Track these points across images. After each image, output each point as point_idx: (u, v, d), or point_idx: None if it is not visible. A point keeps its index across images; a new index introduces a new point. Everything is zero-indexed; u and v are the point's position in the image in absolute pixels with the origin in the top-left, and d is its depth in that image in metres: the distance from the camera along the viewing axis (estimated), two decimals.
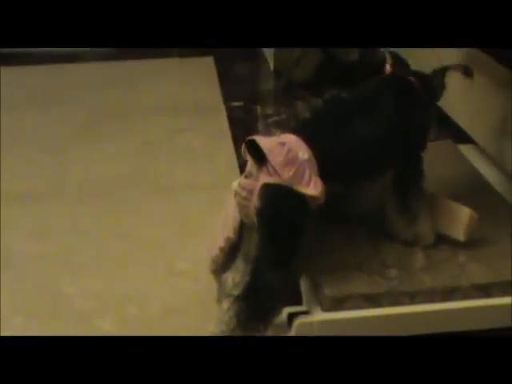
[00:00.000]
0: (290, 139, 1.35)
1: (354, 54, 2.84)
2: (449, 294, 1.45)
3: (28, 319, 1.58)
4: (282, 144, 1.33)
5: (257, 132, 2.41)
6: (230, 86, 2.86)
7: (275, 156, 1.31)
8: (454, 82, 1.70)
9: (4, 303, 1.61)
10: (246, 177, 1.35)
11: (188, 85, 2.89)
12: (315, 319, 1.41)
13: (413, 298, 1.45)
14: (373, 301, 1.43)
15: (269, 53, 3.01)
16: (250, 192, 1.33)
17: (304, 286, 1.51)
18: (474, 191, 1.74)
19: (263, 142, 1.32)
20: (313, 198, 1.33)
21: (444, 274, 1.48)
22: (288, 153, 1.32)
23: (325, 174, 1.35)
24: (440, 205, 1.57)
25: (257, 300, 1.35)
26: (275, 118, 2.54)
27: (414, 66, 1.61)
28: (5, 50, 2.90)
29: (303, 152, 1.33)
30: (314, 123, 1.47)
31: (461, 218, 1.53)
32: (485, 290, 1.46)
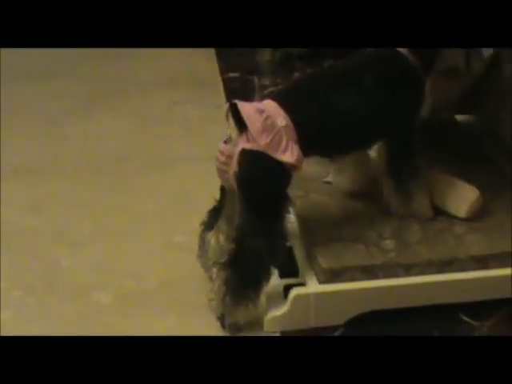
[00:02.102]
0: (269, 106, 1.36)
1: None
2: (445, 265, 1.45)
3: (26, 293, 1.58)
4: (261, 110, 1.34)
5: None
6: (226, 57, 2.84)
7: (253, 122, 1.32)
8: None
9: (1, 278, 1.61)
10: (225, 142, 1.37)
11: (185, 56, 2.86)
12: (311, 291, 1.42)
13: (409, 269, 1.45)
14: (369, 273, 1.44)
15: None
16: (229, 157, 1.35)
17: (300, 257, 1.52)
18: (473, 162, 1.74)
19: (244, 107, 1.33)
20: (290, 165, 1.35)
21: (441, 245, 1.48)
22: (266, 119, 1.33)
23: (306, 143, 1.37)
24: (443, 182, 1.57)
25: (243, 266, 1.36)
26: (272, 90, 2.52)
27: None
28: None
29: (281, 119, 1.34)
30: (294, 92, 1.47)
31: (468, 197, 1.53)
32: (481, 262, 1.46)
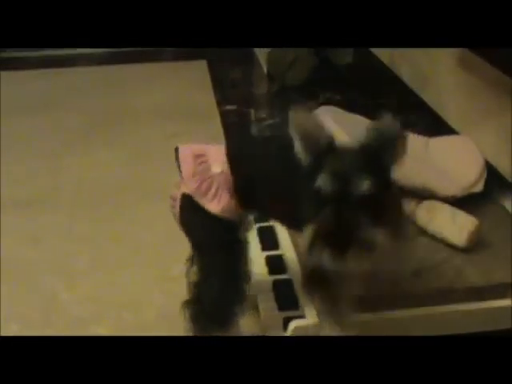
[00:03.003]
0: (212, 151, 1.33)
1: (347, 57, 2.84)
2: (444, 296, 1.45)
3: (23, 326, 1.57)
4: (199, 155, 1.31)
5: (250, 135, 2.40)
6: (223, 89, 2.86)
7: (185, 166, 1.31)
8: (448, 84, 1.70)
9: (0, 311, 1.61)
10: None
11: (181, 89, 2.89)
12: (310, 323, 1.41)
13: (408, 301, 1.45)
14: (367, 304, 1.43)
15: (262, 56, 3.01)
16: (175, 200, 1.34)
17: (299, 290, 1.51)
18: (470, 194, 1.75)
19: (183, 151, 1.32)
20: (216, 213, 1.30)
21: (439, 277, 1.48)
22: (199, 164, 1.31)
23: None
24: (443, 211, 1.58)
25: (205, 303, 1.34)
26: (269, 122, 2.54)
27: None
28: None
29: (218, 165, 1.31)
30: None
31: (467, 226, 1.54)
32: (480, 293, 1.46)
